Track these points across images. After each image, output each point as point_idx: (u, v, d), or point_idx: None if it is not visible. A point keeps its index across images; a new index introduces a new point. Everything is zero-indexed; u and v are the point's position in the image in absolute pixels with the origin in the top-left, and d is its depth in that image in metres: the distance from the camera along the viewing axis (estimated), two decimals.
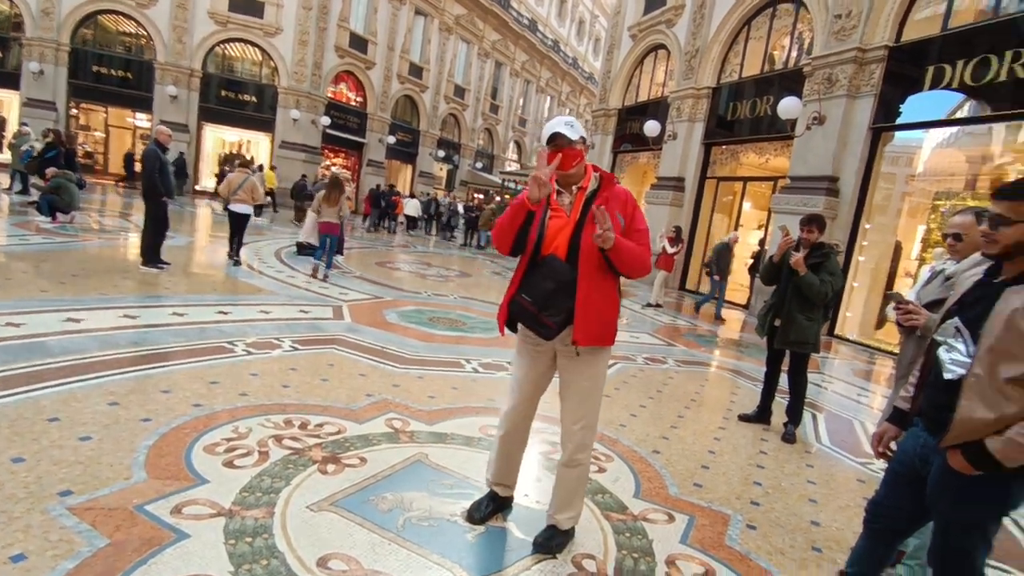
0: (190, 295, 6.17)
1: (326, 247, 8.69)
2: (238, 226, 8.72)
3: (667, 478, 3.41)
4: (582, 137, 2.35)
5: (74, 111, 22.11)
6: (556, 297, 2.29)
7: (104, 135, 23.19)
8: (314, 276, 8.49)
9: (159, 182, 6.98)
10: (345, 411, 3.63)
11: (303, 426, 3.31)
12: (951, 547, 1.88)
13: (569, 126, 2.31)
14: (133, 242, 9.04)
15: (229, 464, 2.74)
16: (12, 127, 19.32)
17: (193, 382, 3.71)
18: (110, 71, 21.71)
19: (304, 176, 18.28)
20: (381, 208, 19.68)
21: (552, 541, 2.47)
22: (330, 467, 2.87)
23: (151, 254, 7.13)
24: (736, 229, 14.39)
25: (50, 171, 10.29)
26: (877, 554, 2.18)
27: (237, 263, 8.56)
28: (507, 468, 2.66)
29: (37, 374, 3.43)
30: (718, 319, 10.91)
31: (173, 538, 2.13)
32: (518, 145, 39.05)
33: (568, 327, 2.34)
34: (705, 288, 13.05)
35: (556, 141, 2.31)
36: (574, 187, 2.42)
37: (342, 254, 11.14)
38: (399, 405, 3.87)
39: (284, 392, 3.79)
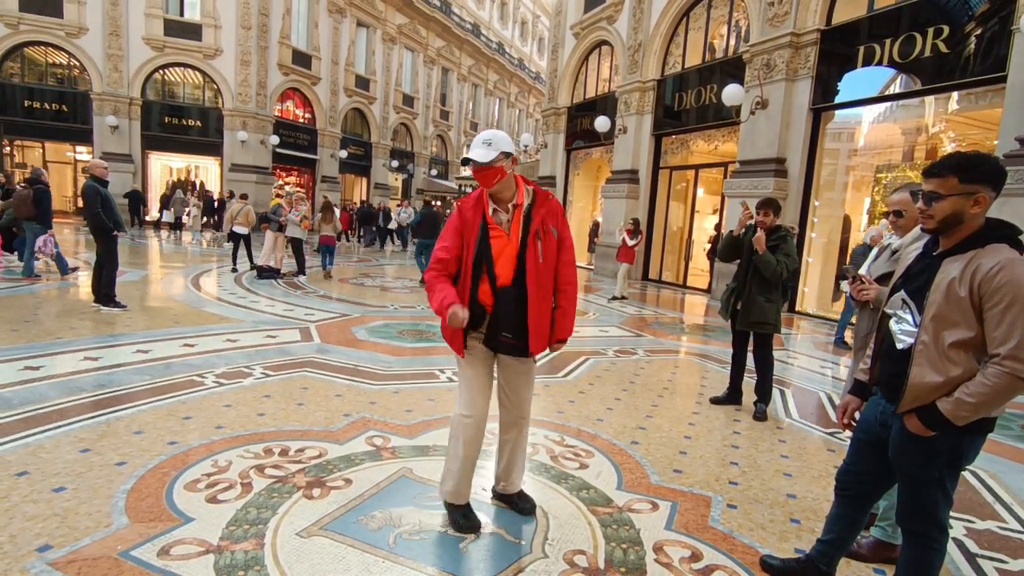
0: (152, 331, 6.02)
1: (327, 254, 11.60)
2: (243, 243, 11.48)
3: (647, 467, 3.50)
4: (504, 152, 2.39)
5: (7, 148, 21.24)
6: (522, 322, 2.47)
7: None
8: (327, 277, 11.23)
9: (105, 217, 6.79)
10: (324, 433, 3.62)
11: (284, 453, 3.28)
12: (915, 504, 2.00)
13: (485, 145, 2.37)
14: (84, 281, 8.75)
15: (212, 499, 2.71)
16: None
17: (165, 419, 3.64)
18: (43, 105, 20.95)
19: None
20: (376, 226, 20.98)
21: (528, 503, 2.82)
22: (315, 491, 2.86)
23: (107, 293, 6.91)
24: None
25: None
26: (851, 518, 2.30)
27: (235, 271, 11.12)
28: (471, 475, 2.69)
29: None
30: (840, 344, 7.94)
31: None
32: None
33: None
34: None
35: (471, 163, 2.40)
36: (510, 204, 2.50)
37: (304, 273, 11.05)
38: (378, 422, 3.87)
39: (260, 420, 3.75)
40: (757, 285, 4.50)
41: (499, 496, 2.88)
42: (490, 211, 2.48)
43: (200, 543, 2.36)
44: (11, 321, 5.89)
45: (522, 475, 2.85)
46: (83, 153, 21.87)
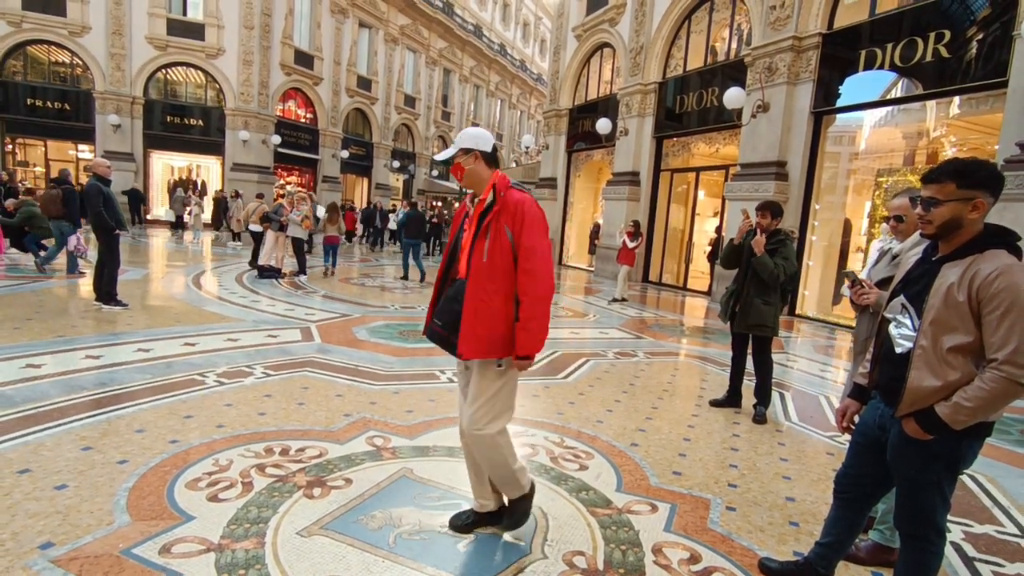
0: (153, 329, 6.03)
1: (331, 252, 12.24)
2: (260, 241, 11.71)
3: (647, 469, 3.51)
4: (463, 149, 2.46)
5: (9, 147, 21.25)
6: (459, 316, 2.38)
7: (44, 170, 22.35)
8: (327, 275, 11.81)
9: (107, 216, 6.81)
10: (325, 433, 3.63)
11: (284, 452, 3.30)
12: (913, 507, 2.01)
13: (453, 146, 2.51)
14: (85, 280, 8.78)
15: (213, 498, 2.72)
16: None
17: (167, 418, 3.65)
18: (46, 103, 20.95)
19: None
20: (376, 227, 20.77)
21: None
22: (316, 491, 2.88)
23: (109, 292, 6.92)
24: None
25: (10, 203, 9.90)
26: (849, 521, 2.31)
27: (253, 267, 11.37)
28: (476, 481, 2.67)
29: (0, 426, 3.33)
30: None
31: None
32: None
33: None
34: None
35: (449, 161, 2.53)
36: (477, 199, 2.51)
37: (305, 273, 11.07)
38: (378, 422, 3.88)
39: (261, 420, 3.76)
40: (755, 288, 4.51)
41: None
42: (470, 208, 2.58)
43: (201, 541, 2.37)
44: (13, 319, 5.91)
45: (499, 480, 2.58)
46: (85, 151, 21.88)
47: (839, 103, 10.35)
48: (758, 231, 4.52)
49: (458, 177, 2.52)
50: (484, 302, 2.35)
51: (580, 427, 4.14)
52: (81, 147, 21.98)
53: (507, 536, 2.63)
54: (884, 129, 11.01)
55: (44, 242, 9.50)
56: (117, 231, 6.97)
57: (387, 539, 2.52)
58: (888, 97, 10.04)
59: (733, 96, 11.03)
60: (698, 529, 2.83)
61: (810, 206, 10.84)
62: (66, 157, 22.50)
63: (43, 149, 22.16)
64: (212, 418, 3.72)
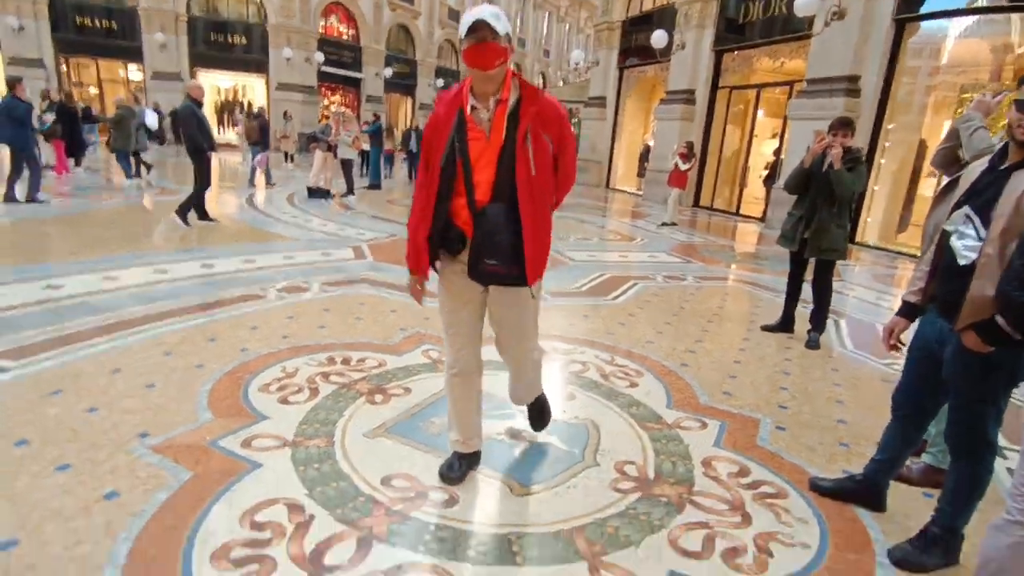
0: (213, 247, 6.28)
1: (388, 163, 15.12)
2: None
3: (696, 388, 3.55)
4: (507, 34, 1.94)
5: (63, 67, 21.60)
6: (513, 246, 2.01)
7: (98, 91, 22.76)
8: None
9: (201, 138, 7.03)
10: (383, 346, 3.78)
11: (346, 362, 3.46)
12: (968, 422, 2.01)
13: (495, 17, 1.89)
14: (149, 199, 9.15)
15: (284, 401, 2.91)
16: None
17: (235, 329, 3.86)
18: (93, 21, 21.06)
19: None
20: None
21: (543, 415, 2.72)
22: (377, 398, 3.04)
23: (197, 206, 7.32)
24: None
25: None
26: (907, 437, 2.33)
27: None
28: (475, 420, 2.46)
29: (90, 331, 3.59)
30: None
31: (248, 468, 2.31)
32: (517, 66, 37.66)
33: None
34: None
35: (479, 32, 1.87)
36: (492, 99, 1.98)
37: (353, 193, 11.19)
38: (432, 336, 4.01)
39: (322, 332, 3.94)
40: (829, 212, 4.31)
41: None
42: (468, 107, 2.00)
43: (277, 438, 2.56)
44: (87, 236, 6.23)
45: (529, 394, 2.64)
46: (135, 71, 22.10)
47: (923, 9, 9.42)
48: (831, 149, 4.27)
49: (493, 62, 1.90)
50: (541, 221, 2.05)
51: (630, 347, 4.19)
52: (131, 66, 22.18)
53: (560, 444, 2.74)
54: (970, 41, 10.01)
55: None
56: (208, 151, 7.18)
57: (446, 444, 2.65)
58: (976, 5, 9.07)
59: (805, 2, 10.14)
60: (747, 446, 2.88)
61: (882, 126, 10.12)
62: (116, 77, 22.77)
63: (95, 69, 22.47)
64: (276, 330, 3.91)
